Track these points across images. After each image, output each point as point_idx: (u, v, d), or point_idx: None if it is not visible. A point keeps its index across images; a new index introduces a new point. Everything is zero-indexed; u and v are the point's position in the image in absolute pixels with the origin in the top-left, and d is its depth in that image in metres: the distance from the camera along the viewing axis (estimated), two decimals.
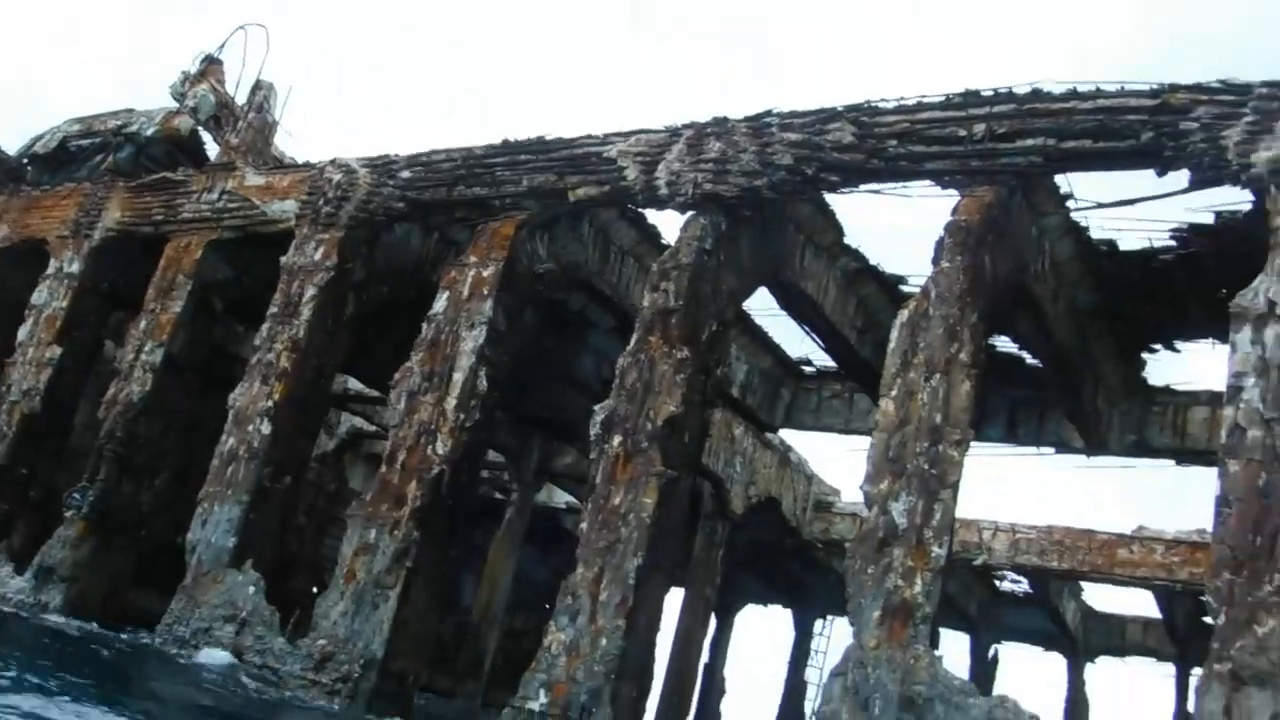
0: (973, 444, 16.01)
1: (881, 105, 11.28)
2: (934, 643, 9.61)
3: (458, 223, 14.12)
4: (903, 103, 11.19)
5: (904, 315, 10.35)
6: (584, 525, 11.09)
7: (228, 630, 12.62)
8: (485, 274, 12.89)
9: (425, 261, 14.69)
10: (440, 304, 13.04)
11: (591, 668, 10.54)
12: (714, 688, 26.88)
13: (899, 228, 13.80)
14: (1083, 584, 23.67)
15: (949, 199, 10.87)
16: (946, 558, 9.67)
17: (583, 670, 10.57)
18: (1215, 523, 8.96)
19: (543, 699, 10.68)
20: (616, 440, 11.20)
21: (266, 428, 13.63)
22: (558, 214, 13.40)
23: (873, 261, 13.94)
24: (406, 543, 12.03)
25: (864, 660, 9.47)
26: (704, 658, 25.73)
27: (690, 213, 11.95)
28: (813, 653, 27.58)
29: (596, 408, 11.44)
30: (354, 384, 20.75)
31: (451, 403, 12.43)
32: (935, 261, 10.42)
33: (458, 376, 12.52)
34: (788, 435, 19.86)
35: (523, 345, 13.82)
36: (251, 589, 12.83)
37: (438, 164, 13.94)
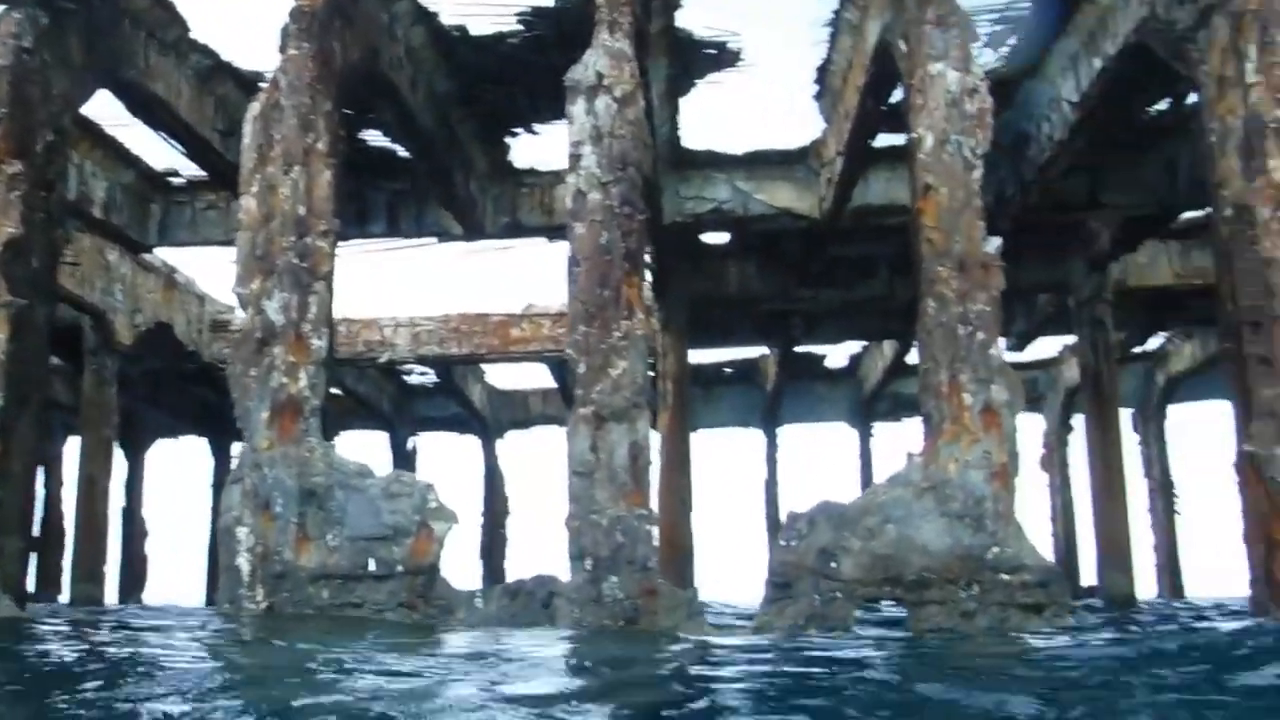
0: (358, 240, 16.33)
1: None
2: (327, 435, 9.75)
3: None
4: None
5: (255, 108, 9.97)
6: None
7: None
8: None
9: None
10: None
11: None
12: (135, 531, 25.78)
13: (254, 19, 13.20)
14: (484, 366, 25.03)
15: None
16: (328, 349, 9.76)
17: None
18: (569, 283, 9.80)
19: None
20: None
21: None
22: None
23: (226, 58, 13.22)
24: None
25: (259, 462, 9.42)
26: (121, 503, 24.54)
27: (2, 8, 10.56)
28: None
29: None
30: None
31: None
32: (282, 50, 10.08)
33: None
34: (170, 255, 18.78)
35: None
36: None
37: None
